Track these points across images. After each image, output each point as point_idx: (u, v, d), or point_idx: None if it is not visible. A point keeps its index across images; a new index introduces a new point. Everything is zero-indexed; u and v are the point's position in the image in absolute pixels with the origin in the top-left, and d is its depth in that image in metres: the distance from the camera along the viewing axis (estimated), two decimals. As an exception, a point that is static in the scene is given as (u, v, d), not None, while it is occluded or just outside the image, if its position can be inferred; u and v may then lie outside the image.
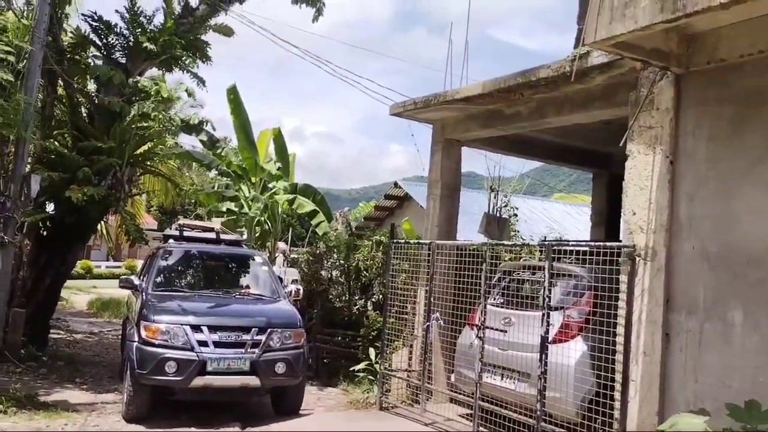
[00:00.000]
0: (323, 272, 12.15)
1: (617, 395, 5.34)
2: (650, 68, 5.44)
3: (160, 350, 7.36)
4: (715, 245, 4.96)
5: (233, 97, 16.41)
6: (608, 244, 5.74)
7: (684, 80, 5.35)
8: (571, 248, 6.53)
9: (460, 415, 7.42)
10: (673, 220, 5.29)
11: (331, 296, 11.77)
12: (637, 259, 5.36)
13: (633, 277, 5.37)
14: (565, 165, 11.77)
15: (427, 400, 7.78)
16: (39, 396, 8.08)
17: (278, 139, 17.96)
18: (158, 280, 8.75)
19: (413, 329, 8.63)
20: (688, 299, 5.10)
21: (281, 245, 21.54)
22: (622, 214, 9.03)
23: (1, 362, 8.50)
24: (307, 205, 16.64)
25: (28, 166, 9.21)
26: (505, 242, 9.00)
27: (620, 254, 5.48)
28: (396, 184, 25.74)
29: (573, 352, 6.06)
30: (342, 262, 11.86)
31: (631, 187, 5.56)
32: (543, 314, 6.03)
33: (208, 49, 11.77)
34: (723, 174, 5.01)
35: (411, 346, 8.67)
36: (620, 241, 5.74)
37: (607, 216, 11.15)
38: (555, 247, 6.23)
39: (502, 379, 6.88)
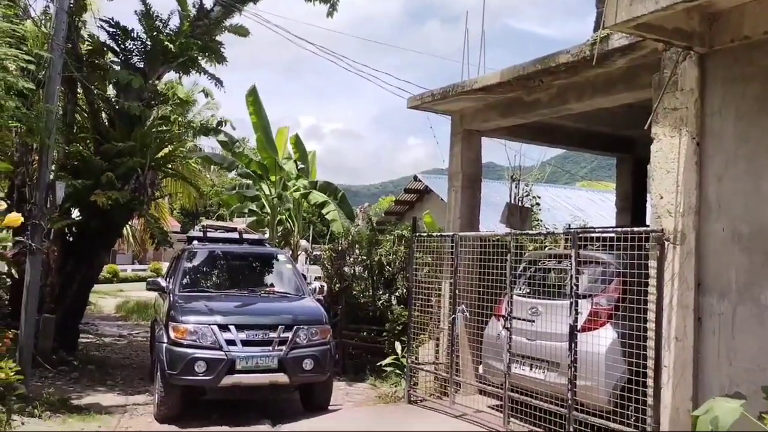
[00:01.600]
0: (346, 268, 12.16)
1: (650, 382, 5.27)
2: (673, 49, 5.34)
3: (189, 350, 7.42)
4: (747, 226, 4.87)
5: (252, 98, 16.49)
6: (636, 229, 5.65)
7: (708, 59, 5.25)
8: (598, 235, 6.45)
9: (489, 407, 7.38)
10: (701, 202, 5.21)
11: (354, 292, 11.78)
12: (666, 243, 5.28)
13: (662, 262, 5.29)
14: (587, 151, 11.65)
15: (456, 392, 7.75)
16: (72, 400, 8.19)
17: (297, 143, 18.11)
18: (184, 281, 8.82)
19: (439, 322, 8.60)
20: (720, 282, 5.01)
21: (303, 243, 21.66)
22: (648, 198, 8.92)
23: (34, 368, 8.61)
24: (319, 197, 16.77)
25: (52, 173, 9.30)
26: (530, 231, 8.92)
27: (648, 239, 5.40)
28: (416, 178, 25.67)
29: (603, 339, 5.99)
30: (364, 257, 11.86)
31: (657, 171, 5.48)
32: (571, 302, 5.97)
33: (223, 50, 11.81)
34: (752, 153, 4.91)
35: (437, 339, 8.64)
36: (648, 226, 5.66)
37: (633, 201, 11.02)
38: (581, 235, 6.15)
39: (530, 369, 6.83)
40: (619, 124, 9.36)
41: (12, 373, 5.77)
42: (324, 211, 16.83)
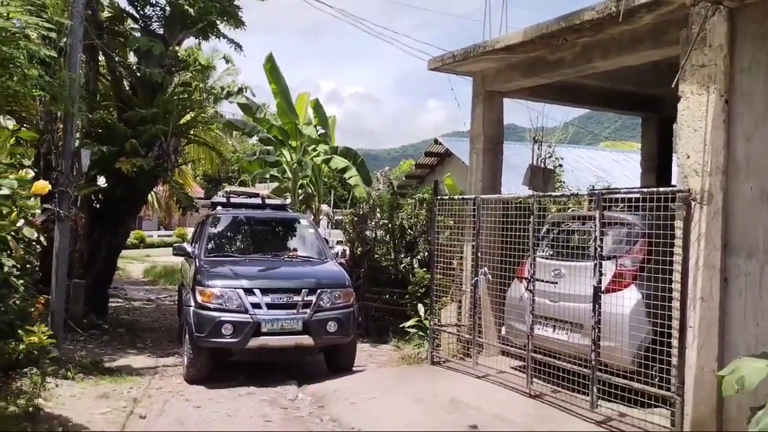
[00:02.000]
0: (368, 232, 12.21)
1: (674, 342, 5.26)
2: (701, 3, 5.19)
3: (216, 314, 7.56)
4: (776, 185, 4.78)
5: (270, 66, 16.38)
6: (662, 189, 5.58)
7: (738, 14, 5.10)
8: (623, 196, 6.38)
9: (512, 367, 7.44)
10: (729, 162, 5.13)
11: (376, 255, 11.84)
12: (693, 203, 5.21)
13: (689, 222, 5.23)
14: (612, 110, 11.45)
15: (478, 353, 7.82)
16: (103, 362, 8.41)
17: (317, 107, 18.02)
18: (209, 246, 8.93)
19: (461, 285, 8.63)
20: (748, 242, 4.96)
21: (324, 208, 21.74)
22: (674, 158, 8.77)
23: (66, 331, 8.84)
24: (341, 163, 16.74)
25: (77, 141, 9.40)
26: (553, 193, 8.85)
27: (675, 199, 5.33)
28: (436, 141, 25.53)
29: (627, 300, 5.98)
30: (386, 221, 11.89)
31: (684, 130, 5.38)
32: (595, 264, 5.94)
33: (241, 14, 11.73)
34: (783, 110, 4.79)
35: (459, 301, 8.69)
36: (674, 186, 5.58)
37: (658, 161, 10.86)
38: (606, 196, 6.09)
39: (554, 330, 6.86)
40: (645, 83, 9.17)
41: (45, 337, 5.90)
42: (346, 176, 16.83)
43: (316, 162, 17.40)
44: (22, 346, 5.84)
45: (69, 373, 7.41)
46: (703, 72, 5.26)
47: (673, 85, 5.43)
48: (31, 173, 6.35)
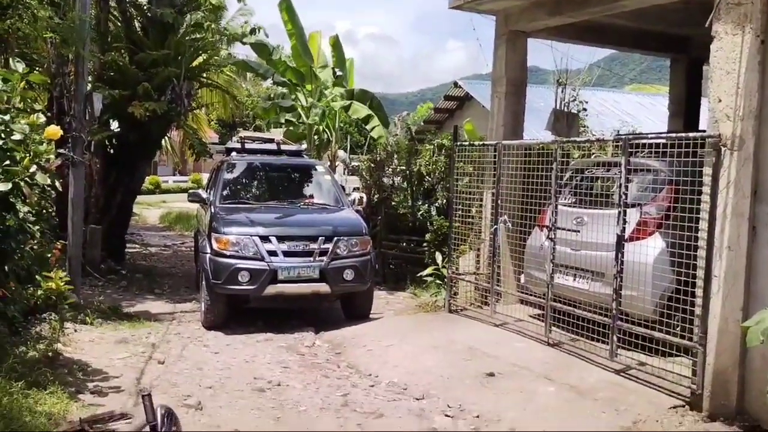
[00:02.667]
0: (385, 179, 12.07)
1: (698, 292, 5.13)
2: (741, -65, 4.85)
3: (232, 261, 7.55)
4: (813, 131, 4.56)
5: (286, 5, 15.91)
6: (691, 134, 5.35)
7: (779, -53, 4.76)
8: (650, 141, 6.15)
9: (530, 316, 7.38)
10: (763, 106, 4.89)
11: (394, 203, 11.73)
12: (723, 149, 4.99)
13: (718, 169, 5.03)
14: (639, 51, 11.04)
15: (497, 302, 7.76)
16: (122, 307, 8.50)
17: (336, 46, 17.48)
18: (225, 193, 8.86)
19: (480, 233, 8.52)
20: (779, 190, 4.76)
21: (341, 154, 21.54)
22: (703, 102, 8.43)
23: (84, 277, 8.92)
24: (361, 110, 16.35)
25: (89, 84, 9.27)
26: (577, 139, 8.61)
27: (704, 145, 5.12)
28: (456, 84, 24.98)
29: (650, 249, 5.84)
30: (403, 167, 11.73)
31: (716, 72, 5.12)
32: (619, 212, 5.78)
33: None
34: (824, 51, 4.52)
35: (478, 249, 8.59)
36: (703, 131, 5.35)
37: (686, 105, 10.50)
38: (632, 141, 5.88)
39: (574, 279, 6.75)
40: (675, 22, 8.76)
41: (62, 283, 5.92)
42: (368, 126, 16.46)
43: (333, 107, 17.10)
44: (40, 292, 5.86)
45: (88, 318, 7.48)
46: (739, 11, 4.96)
47: (706, 25, 5.15)
48: (43, 117, 6.24)
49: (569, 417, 5.07)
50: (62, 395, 4.94)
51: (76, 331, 6.82)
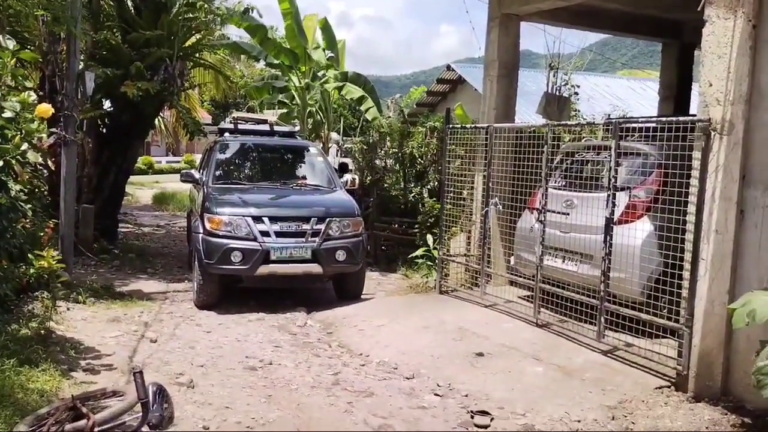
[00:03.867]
0: (377, 161, 12.08)
1: (686, 274, 5.20)
2: None
3: (224, 241, 7.58)
4: (801, 115, 4.60)
5: None
6: (682, 118, 5.39)
7: (773, -69, 4.78)
8: (641, 125, 6.19)
9: (520, 297, 7.46)
10: (753, 91, 4.93)
11: (386, 185, 11.76)
12: (713, 133, 5.04)
13: (707, 153, 5.08)
14: (631, 36, 11.06)
15: (487, 283, 7.83)
16: (114, 287, 8.51)
17: (326, 28, 17.40)
18: (217, 173, 8.87)
19: (471, 215, 8.57)
20: (767, 174, 4.81)
21: (334, 135, 21.48)
22: (694, 86, 8.45)
23: (76, 256, 8.92)
24: (355, 92, 16.32)
25: (81, 63, 9.21)
26: (568, 122, 8.64)
27: (694, 129, 5.16)
28: (449, 67, 24.91)
29: (639, 232, 5.90)
30: (396, 150, 11.74)
31: (708, 56, 5.15)
32: (608, 195, 5.84)
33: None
34: (814, 36, 4.56)
35: (469, 231, 8.65)
36: (693, 116, 5.40)
37: (677, 90, 10.56)
38: (623, 125, 5.91)
39: (563, 261, 6.82)
40: (667, 7, 8.78)
41: (54, 262, 5.93)
42: (362, 107, 16.42)
43: (327, 89, 17.04)
44: (32, 270, 5.87)
45: (80, 297, 7.50)
46: (732, -5, 4.98)
47: (698, 9, 5.17)
48: (34, 96, 6.23)
49: (556, 396, 5.15)
50: (54, 373, 4.98)
51: (68, 309, 6.85)
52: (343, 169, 10.31)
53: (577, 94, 10.97)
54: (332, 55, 17.32)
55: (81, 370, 5.31)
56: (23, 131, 5.32)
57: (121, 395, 4.15)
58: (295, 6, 15.91)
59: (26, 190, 6.02)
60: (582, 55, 12.62)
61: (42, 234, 6.68)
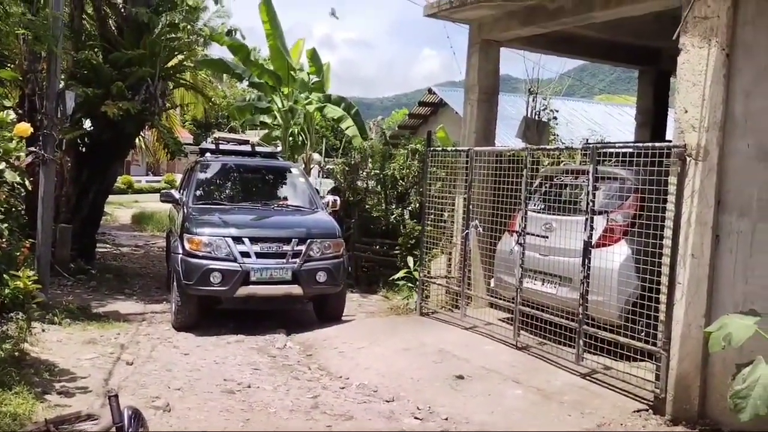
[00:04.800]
0: (359, 182, 12.12)
1: (662, 298, 5.27)
2: (708, -48, 5.01)
3: (204, 262, 7.52)
4: (774, 143, 4.71)
5: (266, 7, 15.80)
6: (657, 144, 5.51)
7: (744, -36, 4.92)
8: (618, 150, 6.30)
9: (499, 319, 7.48)
10: (727, 118, 5.04)
11: (367, 206, 11.78)
12: (688, 159, 5.14)
13: (683, 179, 5.17)
14: (609, 62, 11.26)
15: (467, 305, 7.84)
16: (91, 308, 8.40)
17: (314, 57, 17.51)
18: (198, 193, 8.83)
19: (451, 237, 8.61)
20: (741, 200, 4.91)
21: (316, 156, 21.51)
22: (670, 112, 8.61)
23: (53, 276, 8.80)
24: (335, 111, 16.39)
25: (62, 82, 9.17)
26: (547, 147, 8.75)
27: (669, 155, 5.26)
28: (430, 91, 25.16)
29: (616, 255, 5.97)
30: (377, 171, 11.78)
31: (683, 83, 5.27)
32: (586, 218, 5.91)
33: (232, -47, 11.35)
34: (785, 66, 4.68)
35: (449, 253, 8.68)
36: (669, 141, 5.50)
37: (654, 116, 10.74)
38: (600, 150, 6.01)
39: (542, 284, 6.87)
40: (645, 35, 8.97)
41: (30, 282, 5.84)
42: (342, 126, 16.45)
43: (308, 110, 17.09)
44: (7, 291, 5.77)
45: (56, 318, 7.39)
46: (706, 24, 5.11)
47: (674, 38, 5.30)
48: (13, 114, 6.19)
49: (536, 419, 5.16)
50: (28, 395, 4.89)
51: (43, 330, 6.75)
52: (336, 192, 10.31)
53: (555, 118, 11.12)
54: (318, 79, 17.41)
55: (55, 393, 5.21)
56: (1, 150, 5.27)
57: (95, 419, 4.06)
58: (279, 28, 16.00)
59: (3, 210, 5.93)
60: (560, 81, 12.84)
61: (18, 254, 6.57)
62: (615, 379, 5.69)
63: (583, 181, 6.39)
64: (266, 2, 15.76)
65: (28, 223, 8.62)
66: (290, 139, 17.76)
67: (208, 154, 9.86)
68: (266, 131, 18.45)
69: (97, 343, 6.85)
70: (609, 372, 5.78)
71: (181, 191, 9.33)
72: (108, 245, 14.70)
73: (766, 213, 4.75)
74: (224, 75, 17.90)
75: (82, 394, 5.29)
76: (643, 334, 5.53)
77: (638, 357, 5.57)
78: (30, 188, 8.43)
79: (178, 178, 19.90)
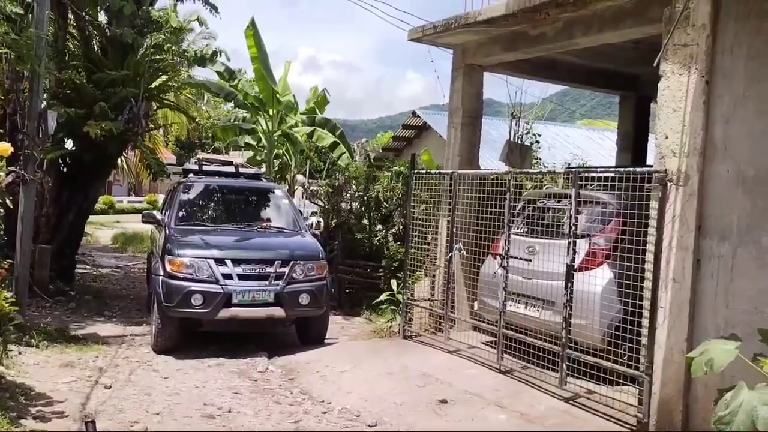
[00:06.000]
0: (343, 204, 12.11)
1: (645, 322, 5.28)
2: (686, -19, 5.11)
3: (185, 284, 7.44)
4: (752, 168, 4.78)
5: (252, 32, 15.86)
6: (639, 169, 5.56)
7: (722, -6, 5.03)
8: (600, 174, 6.35)
9: (483, 343, 7.46)
10: (707, 143, 5.10)
11: (351, 228, 11.76)
12: (669, 184, 5.20)
13: (664, 203, 5.22)
14: (590, 88, 11.42)
15: (450, 328, 7.82)
16: (69, 330, 8.27)
17: (322, 101, 17.69)
18: (180, 214, 8.77)
19: (435, 259, 8.60)
20: (722, 224, 4.96)
21: (300, 178, 21.50)
22: (650, 137, 8.71)
23: (31, 298, 8.66)
24: (326, 138, 16.39)
25: (44, 102, 9.11)
26: (530, 170, 8.82)
27: (651, 180, 5.32)
28: (414, 114, 25.33)
29: (599, 279, 6.00)
30: (361, 193, 11.79)
31: (663, 110, 5.35)
32: (569, 242, 5.93)
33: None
34: (763, 93, 4.77)
35: (433, 276, 8.67)
36: (650, 166, 5.56)
37: (634, 141, 10.88)
38: (582, 174, 6.06)
39: (525, 307, 6.87)
40: (625, 61, 9.13)
41: (7, 304, 5.74)
42: (335, 154, 16.41)
43: (295, 133, 17.09)
44: (-17, 313, 5.67)
45: (33, 340, 7.27)
46: (685, 52, 5.20)
47: (654, 64, 5.38)
48: (-5, 134, 6.19)
49: (519, 444, 5.13)
50: (2, 420, 4.77)
51: (20, 353, 6.61)
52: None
53: (538, 142, 11.23)
54: (312, 106, 17.55)
55: (31, 418, 5.09)
56: (-19, 170, 5.21)
57: (72, 445, 3.99)
58: (264, 52, 16.05)
59: (-20, 230, 5.87)
60: (543, 105, 12.99)
61: (-5, 275, 6.48)
62: (598, 404, 5.68)
63: (566, 205, 6.43)
64: (252, 27, 15.86)
65: (7, 243, 8.52)
66: (276, 160, 17.76)
67: (191, 175, 9.82)
68: (251, 153, 18.43)
69: (75, 367, 6.73)
70: (592, 396, 5.76)
71: (163, 212, 9.26)
72: (88, 266, 14.52)
73: (746, 238, 4.80)
74: (208, 95, 17.93)
75: (59, 419, 5.18)
76: (625, 358, 5.54)
77: (621, 381, 5.57)
78: (10, 208, 8.36)
79: (161, 198, 19.77)
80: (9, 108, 9.47)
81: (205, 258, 7.60)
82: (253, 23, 15.98)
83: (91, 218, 14.77)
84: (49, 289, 9.82)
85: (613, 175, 6.01)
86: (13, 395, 5.43)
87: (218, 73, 15.56)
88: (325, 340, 8.36)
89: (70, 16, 10.79)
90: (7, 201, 8.17)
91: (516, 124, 10.38)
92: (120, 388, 6.18)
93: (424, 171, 9.54)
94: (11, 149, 5.42)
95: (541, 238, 6.92)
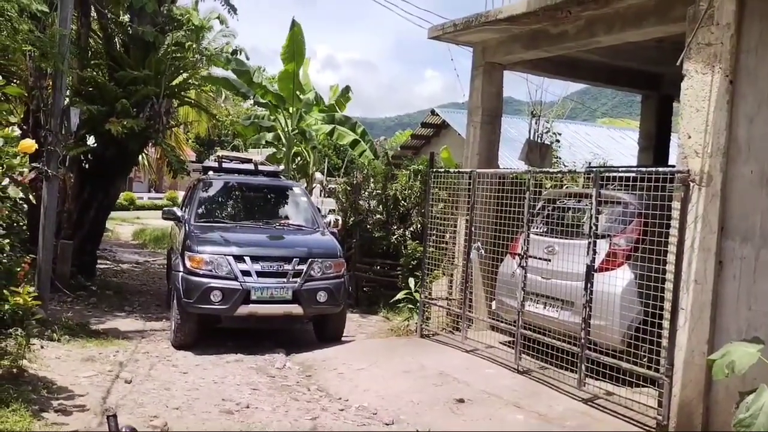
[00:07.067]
0: (361, 202, 12.12)
1: (665, 324, 5.23)
2: (711, -20, 5.05)
3: (205, 280, 7.50)
4: (776, 169, 4.71)
5: (296, 29, 15.70)
6: (661, 169, 5.50)
7: (747, -8, 4.96)
8: (621, 174, 6.29)
9: (501, 342, 7.43)
10: (730, 143, 5.04)
11: (369, 226, 11.77)
12: (692, 184, 5.14)
13: (686, 204, 5.16)
14: (612, 87, 11.32)
15: (468, 327, 7.80)
16: (90, 324, 8.36)
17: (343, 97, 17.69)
18: (200, 211, 8.83)
19: (453, 258, 8.58)
20: (745, 225, 4.90)
21: (318, 176, 21.58)
22: (673, 137, 8.62)
23: (53, 292, 8.78)
24: (347, 136, 16.36)
25: (67, 99, 9.21)
26: (550, 170, 8.76)
27: (673, 180, 5.26)
28: (433, 112, 25.26)
29: (619, 280, 5.94)
30: (379, 191, 11.79)
31: (686, 109, 5.28)
32: (589, 242, 5.89)
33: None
34: (788, 93, 4.70)
35: (451, 275, 8.65)
36: (673, 166, 5.50)
37: (656, 140, 10.77)
38: (603, 174, 6.01)
39: (544, 307, 6.83)
40: (647, 60, 9.03)
41: (30, 298, 5.82)
42: (356, 151, 16.36)
43: (317, 131, 17.09)
44: (6, 307, 5.74)
45: (55, 334, 7.35)
46: (709, 51, 5.14)
47: (677, 64, 5.32)
48: (17, 130, 6.25)
49: (537, 445, 5.10)
50: (25, 413, 4.84)
51: (42, 347, 6.69)
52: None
53: (558, 141, 11.15)
54: (332, 103, 17.56)
55: (53, 411, 5.16)
56: (4, 166, 5.29)
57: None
58: (302, 53, 15.84)
59: (4, 225, 5.92)
60: (563, 104, 12.90)
61: (18, 269, 6.56)
62: (617, 405, 5.64)
63: (586, 205, 6.38)
64: (298, 27, 15.66)
65: (29, 238, 8.61)
66: (295, 158, 17.78)
67: (210, 172, 9.88)
68: (270, 150, 18.50)
69: (96, 361, 6.81)
70: (611, 398, 5.72)
71: (183, 209, 9.33)
72: (108, 261, 14.68)
73: (770, 239, 4.73)
74: (227, 93, 17.99)
75: (80, 412, 5.24)
76: (645, 359, 5.49)
77: (641, 383, 5.52)
78: (33, 203, 8.47)
79: (181, 195, 19.93)
80: (32, 105, 9.59)
81: (225, 255, 7.65)
82: (294, 22, 15.75)
83: (112, 214, 14.92)
84: (70, 284, 9.95)
85: (634, 174, 5.97)
86: (35, 389, 5.51)
87: (237, 71, 15.59)
88: (343, 338, 8.38)
89: (93, 14, 10.91)
90: (31, 197, 8.29)
91: (536, 123, 10.32)
92: (140, 382, 6.24)
93: (442, 170, 9.52)
94: (35, 145, 5.48)
95: (561, 238, 6.88)
